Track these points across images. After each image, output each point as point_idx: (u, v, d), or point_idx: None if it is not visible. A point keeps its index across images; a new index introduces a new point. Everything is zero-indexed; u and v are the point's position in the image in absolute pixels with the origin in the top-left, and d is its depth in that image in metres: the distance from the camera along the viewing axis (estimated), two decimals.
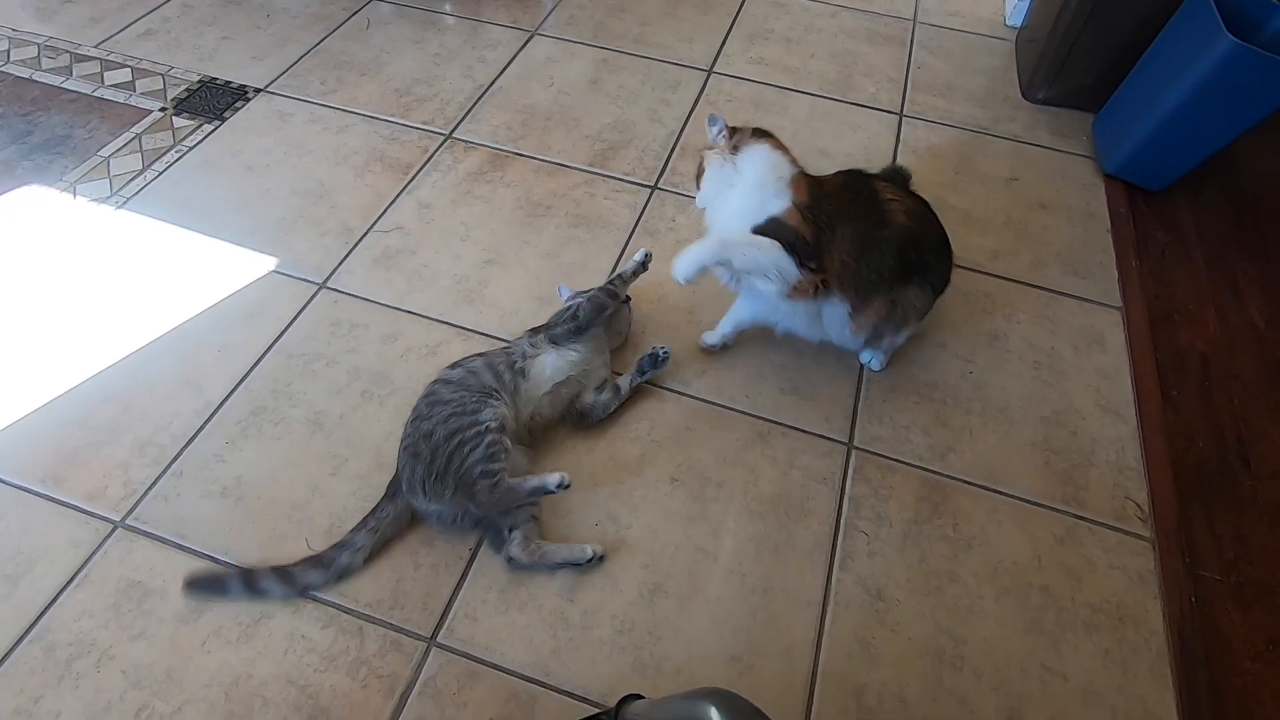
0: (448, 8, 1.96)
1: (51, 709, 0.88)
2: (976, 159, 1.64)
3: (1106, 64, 1.63)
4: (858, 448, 1.16)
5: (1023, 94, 1.79)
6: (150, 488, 1.06)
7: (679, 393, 1.21)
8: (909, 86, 1.80)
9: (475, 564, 1.02)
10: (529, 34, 1.88)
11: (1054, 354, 1.30)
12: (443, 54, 1.80)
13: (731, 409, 1.20)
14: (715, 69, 1.81)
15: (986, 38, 1.97)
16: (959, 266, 1.40)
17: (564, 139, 1.61)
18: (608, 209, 1.48)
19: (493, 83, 1.73)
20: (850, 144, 1.65)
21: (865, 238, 1.06)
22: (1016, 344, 1.31)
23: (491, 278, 1.35)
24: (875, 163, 1.60)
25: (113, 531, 1.02)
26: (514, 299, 1.32)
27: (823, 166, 1.58)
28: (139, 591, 0.97)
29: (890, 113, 1.73)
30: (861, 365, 1.25)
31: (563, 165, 1.55)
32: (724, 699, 0.46)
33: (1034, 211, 1.53)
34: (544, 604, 0.99)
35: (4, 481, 1.06)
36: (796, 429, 1.18)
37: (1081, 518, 1.10)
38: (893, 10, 2.02)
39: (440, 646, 0.95)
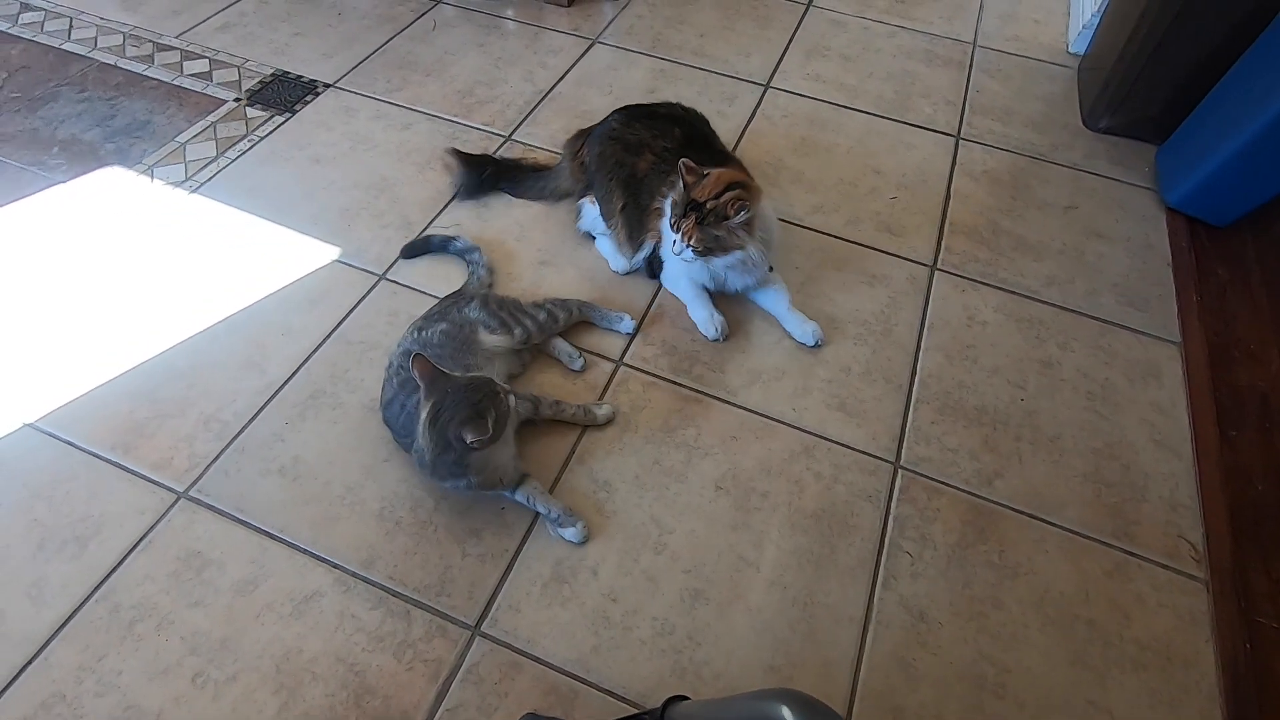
0: (510, 13, 2.00)
1: (114, 667, 0.92)
2: (1034, 185, 1.62)
3: (1173, 95, 1.61)
4: (904, 468, 1.16)
5: (1083, 122, 1.77)
6: (213, 462, 1.10)
7: (726, 401, 1.22)
8: (967, 109, 1.79)
9: (520, 557, 1.04)
10: (589, 42, 1.91)
11: (1108, 385, 1.28)
12: (505, 58, 1.84)
13: (778, 421, 1.20)
14: (772, 83, 1.83)
15: (1047, 64, 1.95)
16: (1012, 292, 1.40)
17: None
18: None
19: (552, 88, 1.77)
20: (905, 163, 1.65)
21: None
22: (1069, 373, 1.29)
23: (545, 278, 1.38)
24: (931, 186, 1.60)
25: (176, 501, 1.06)
26: (565, 295, 1.34)
27: (877, 186, 1.59)
28: (199, 561, 1.01)
29: (947, 135, 1.73)
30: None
31: None
32: (799, 701, 0.46)
33: (1091, 240, 1.52)
34: (586, 601, 1.00)
35: (76, 446, 1.11)
36: (842, 445, 1.18)
37: (1132, 553, 1.08)
38: (952, 33, 2.02)
39: (484, 636, 0.97)
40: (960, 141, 1.71)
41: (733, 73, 1.85)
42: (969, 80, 1.87)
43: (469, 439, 0.91)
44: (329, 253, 1.39)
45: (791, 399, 1.23)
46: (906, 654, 0.98)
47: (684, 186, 1.17)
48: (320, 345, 1.25)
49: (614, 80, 1.80)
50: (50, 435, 1.12)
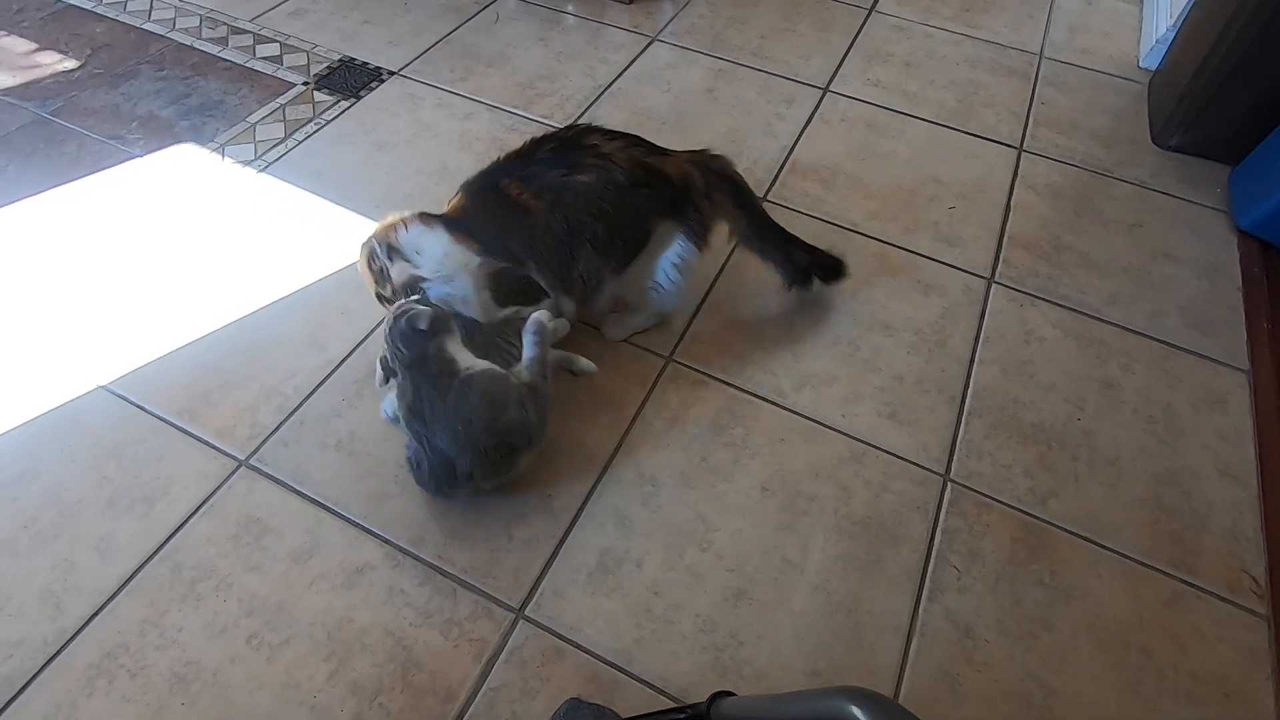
0: (571, 8, 2.02)
1: (175, 623, 0.95)
2: (1098, 201, 1.58)
3: (1252, 115, 1.55)
4: (954, 481, 1.14)
5: (1153, 139, 1.72)
6: (273, 433, 1.13)
7: (775, 404, 1.22)
8: (1031, 121, 1.76)
9: (566, 545, 1.05)
10: (649, 39, 1.92)
11: (1171, 410, 1.24)
12: (565, 52, 1.86)
13: (827, 426, 1.19)
14: (831, 87, 1.81)
15: (1116, 78, 1.90)
16: (1073, 309, 1.37)
17: (677, 144, 1.60)
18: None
19: (611, 83, 1.78)
20: (965, 173, 1.62)
21: (529, 235, 1.10)
22: (1130, 395, 1.26)
23: None
24: (992, 197, 1.58)
25: (237, 469, 1.10)
26: None
27: (936, 195, 1.57)
28: (258, 528, 1.04)
29: (1009, 146, 1.69)
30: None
31: None
32: (871, 700, 0.45)
33: (1157, 261, 1.47)
34: (630, 593, 1.01)
35: (145, 410, 1.15)
36: (892, 454, 1.17)
37: (1191, 584, 1.05)
38: (1019, 43, 1.98)
39: (528, 619, 0.98)
40: (1023, 153, 1.68)
41: (792, 75, 1.84)
42: (1034, 91, 1.84)
43: (420, 325, 0.96)
44: None
45: (842, 404, 1.22)
46: (951, 668, 0.96)
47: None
48: (378, 325, 1.28)
49: (673, 78, 1.81)
50: (122, 398, 1.16)
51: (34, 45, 1.79)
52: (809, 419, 1.20)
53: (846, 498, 1.11)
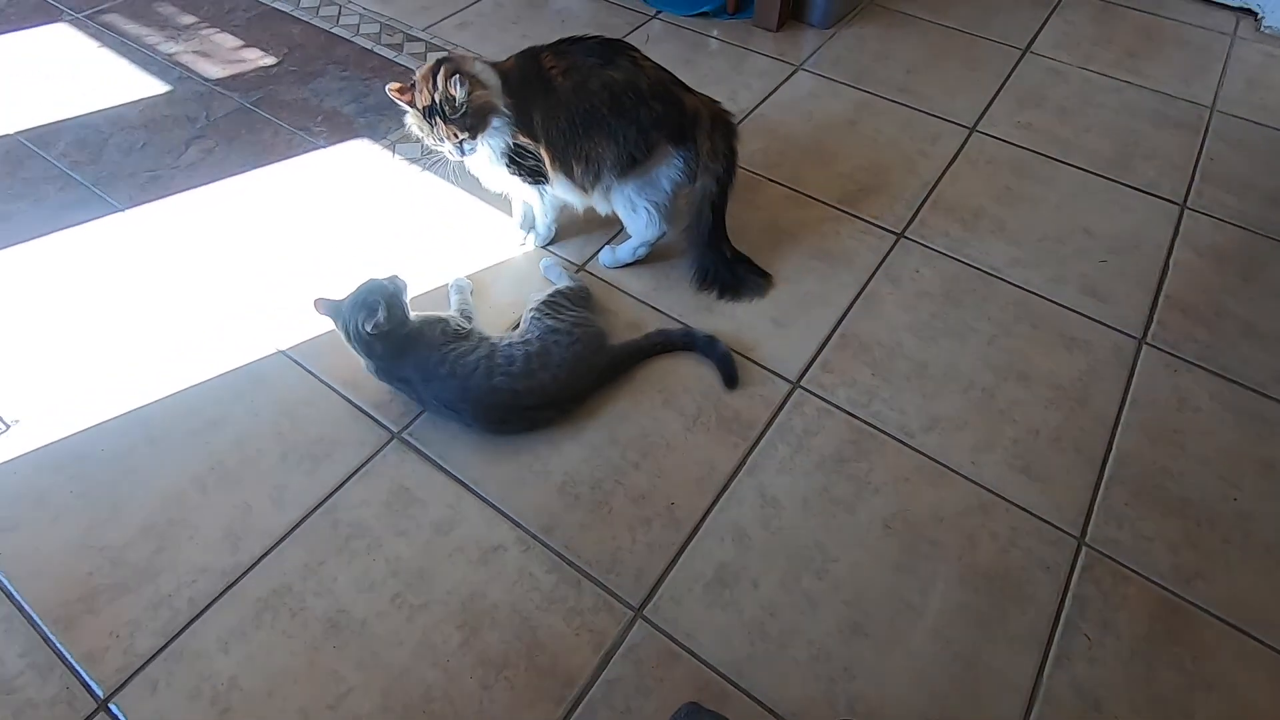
0: (716, 34, 2.08)
1: (330, 573, 1.05)
2: (1270, 268, 1.48)
3: None
4: (1090, 546, 1.10)
5: None
6: (423, 412, 1.23)
7: (902, 442, 1.21)
8: (1196, 177, 1.66)
9: (686, 554, 1.08)
10: (793, 68, 1.95)
11: None
12: (710, 75, 1.92)
13: (955, 471, 1.17)
14: (979, 127, 1.78)
15: None
16: (1234, 381, 1.29)
17: (816, 173, 1.65)
18: (851, 248, 1.50)
19: (754, 109, 1.82)
20: (1119, 226, 1.55)
21: (547, 108, 1.24)
22: None
23: None
24: (1147, 254, 1.51)
25: (391, 440, 1.20)
26: (748, 312, 1.38)
27: (1085, 246, 1.51)
28: (406, 496, 1.13)
29: (1170, 202, 1.61)
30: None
31: (812, 198, 1.60)
32: None
33: None
34: (745, 610, 1.03)
35: (316, 376, 1.28)
36: (1023, 509, 1.13)
37: None
38: (1188, 94, 1.87)
39: (646, 620, 1.02)
40: (1186, 210, 1.59)
41: (938, 112, 1.82)
42: (1202, 146, 1.73)
43: (368, 328, 1.12)
44: (534, 239, 1.51)
45: (972, 451, 1.20)
46: None
47: (411, 105, 1.22)
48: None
49: (814, 108, 1.83)
50: (297, 363, 1.29)
51: (240, 42, 2.02)
52: (936, 461, 1.19)
53: (971, 547, 1.09)
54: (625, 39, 2.02)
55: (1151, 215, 1.58)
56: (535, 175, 1.31)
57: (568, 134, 1.25)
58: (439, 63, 1.20)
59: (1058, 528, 1.11)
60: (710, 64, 1.96)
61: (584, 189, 1.32)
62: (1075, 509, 1.14)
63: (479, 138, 1.22)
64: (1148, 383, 1.29)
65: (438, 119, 1.19)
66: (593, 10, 2.15)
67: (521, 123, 1.25)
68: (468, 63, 1.22)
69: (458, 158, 1.26)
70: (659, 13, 2.14)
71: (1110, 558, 1.08)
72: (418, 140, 1.29)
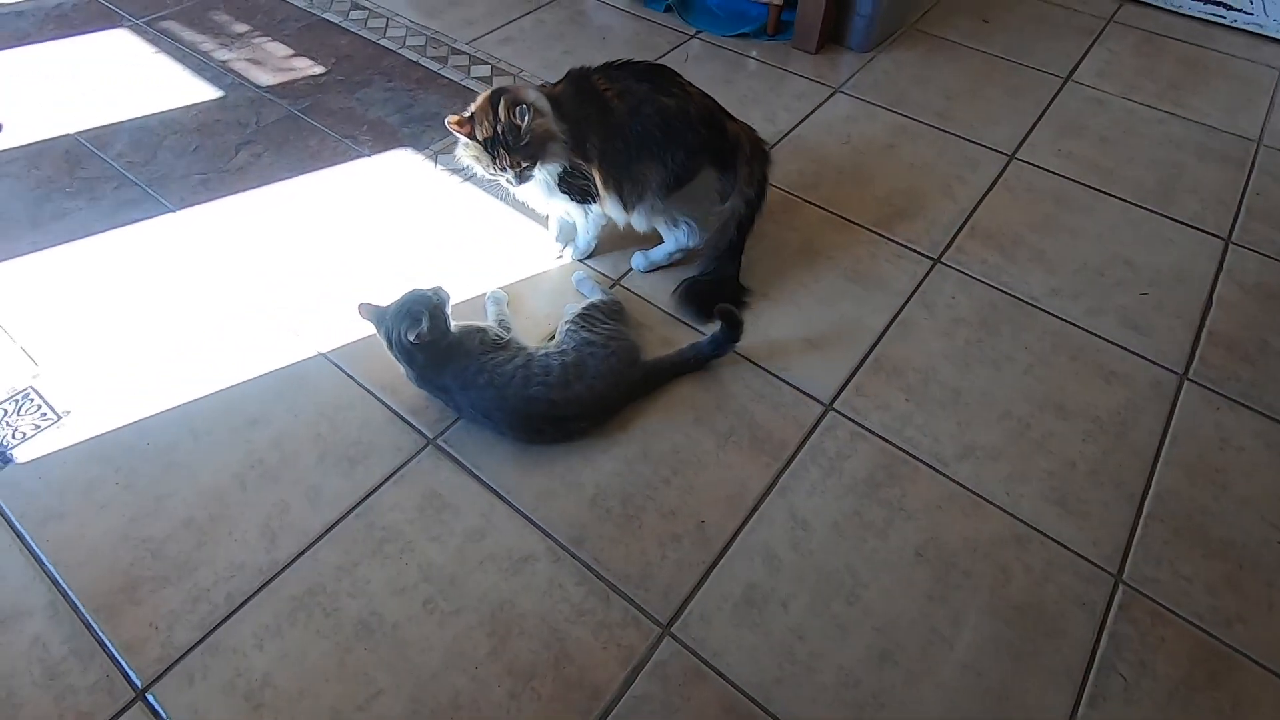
0: (755, 54, 2.10)
1: (364, 575, 1.07)
2: None
3: None
4: (1127, 584, 1.08)
5: None
6: (457, 419, 1.25)
7: (935, 469, 1.20)
8: (1243, 213, 1.64)
9: (715, 572, 1.08)
10: (831, 90, 1.96)
11: None
12: (749, 96, 1.93)
13: (989, 501, 1.16)
14: (1018, 155, 1.77)
15: None
16: (1274, 419, 1.27)
17: (853, 195, 1.66)
18: (887, 272, 1.50)
19: (792, 129, 1.83)
20: (1161, 259, 1.53)
21: (603, 131, 1.28)
22: None
23: (764, 310, 1.42)
24: (1190, 288, 1.49)
25: (426, 446, 1.22)
26: (782, 332, 1.38)
27: (1125, 278, 1.50)
28: (440, 502, 1.15)
29: (1215, 236, 1.59)
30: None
31: (849, 220, 1.60)
32: None
33: None
34: (773, 632, 1.03)
35: (355, 380, 1.30)
36: (1058, 543, 1.12)
37: None
38: (1234, 127, 1.85)
39: (673, 637, 1.02)
40: (1230, 246, 1.57)
41: (976, 139, 1.81)
42: (1249, 181, 1.71)
43: (411, 338, 1.14)
44: (566, 251, 1.53)
45: (1007, 482, 1.18)
46: None
47: (470, 137, 1.23)
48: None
49: (852, 130, 1.83)
50: (337, 366, 1.32)
51: (291, 51, 2.07)
52: (970, 490, 1.18)
53: (1005, 579, 1.08)
54: (664, 58, 2.05)
55: (1195, 249, 1.56)
56: (585, 195, 1.34)
57: (622, 155, 1.29)
58: (497, 94, 1.22)
59: (1094, 564, 1.10)
60: (749, 84, 1.98)
61: (628, 207, 1.35)
62: (1112, 545, 1.12)
63: (539, 165, 1.25)
64: (1189, 419, 1.27)
65: (500, 149, 1.22)
66: (633, 28, 2.18)
67: (577, 146, 1.27)
68: (524, 91, 1.25)
69: (515, 186, 1.28)
70: (699, 32, 2.16)
71: (1148, 597, 1.06)
72: (467, 170, 1.32)
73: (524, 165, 1.24)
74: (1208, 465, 1.21)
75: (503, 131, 1.20)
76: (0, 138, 1.76)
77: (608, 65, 1.34)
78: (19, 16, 2.16)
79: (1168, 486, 1.19)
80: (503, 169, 1.24)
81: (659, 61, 1.36)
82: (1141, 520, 1.15)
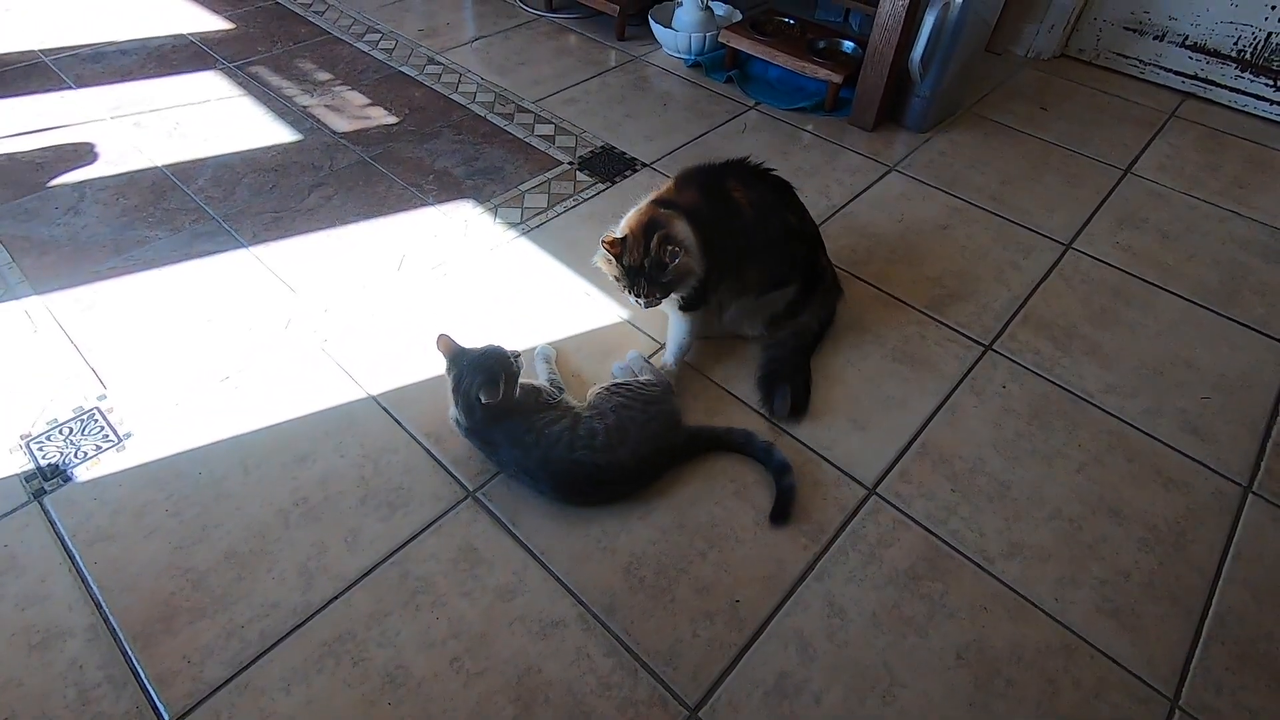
0: (811, 128, 2.14)
1: (395, 625, 1.07)
2: None
3: None
4: (1185, 710, 1.02)
5: None
6: (498, 473, 1.26)
7: (980, 566, 1.16)
8: None
9: (746, 657, 1.05)
10: (886, 168, 1.98)
11: None
12: (803, 168, 1.97)
13: (1037, 606, 1.12)
14: (1074, 244, 1.76)
15: None
16: None
17: (904, 275, 1.66)
18: (936, 355, 1.48)
19: (845, 205, 1.85)
20: (1225, 363, 1.49)
21: (726, 229, 1.31)
22: None
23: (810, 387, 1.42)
24: (1256, 396, 1.44)
25: (465, 498, 1.22)
26: (827, 410, 1.37)
27: (1186, 380, 1.46)
28: (474, 557, 1.15)
29: None
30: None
31: (899, 300, 1.60)
32: None
33: None
34: None
35: (402, 426, 1.33)
36: (1110, 658, 1.06)
37: None
38: None
39: None
40: None
41: (1033, 225, 1.81)
42: None
43: (482, 398, 1.14)
44: (620, 313, 1.55)
45: (1055, 586, 1.14)
46: None
47: (618, 258, 1.25)
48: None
49: (905, 209, 1.85)
50: (385, 410, 1.35)
51: (368, 100, 2.19)
52: (1016, 592, 1.13)
53: (1053, 693, 1.03)
54: (723, 127, 2.11)
55: (1260, 354, 1.52)
56: (692, 305, 1.33)
57: (733, 256, 1.33)
58: (652, 224, 1.23)
59: (1149, 684, 1.04)
60: (804, 156, 2.02)
61: (724, 307, 1.40)
62: (1169, 666, 1.06)
63: (670, 295, 1.29)
64: (1254, 535, 1.21)
65: (641, 280, 1.25)
66: (693, 95, 2.26)
67: (709, 279, 1.30)
68: (676, 226, 1.24)
69: (643, 309, 1.31)
70: (758, 104, 2.23)
71: None
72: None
73: (658, 296, 1.27)
74: (1275, 586, 1.15)
75: (649, 266, 1.23)
76: (95, 167, 1.88)
77: (738, 166, 1.38)
78: (123, 54, 2.33)
79: (1230, 606, 1.13)
80: (638, 296, 1.27)
81: (748, 160, 1.40)
82: (1201, 641, 1.09)
